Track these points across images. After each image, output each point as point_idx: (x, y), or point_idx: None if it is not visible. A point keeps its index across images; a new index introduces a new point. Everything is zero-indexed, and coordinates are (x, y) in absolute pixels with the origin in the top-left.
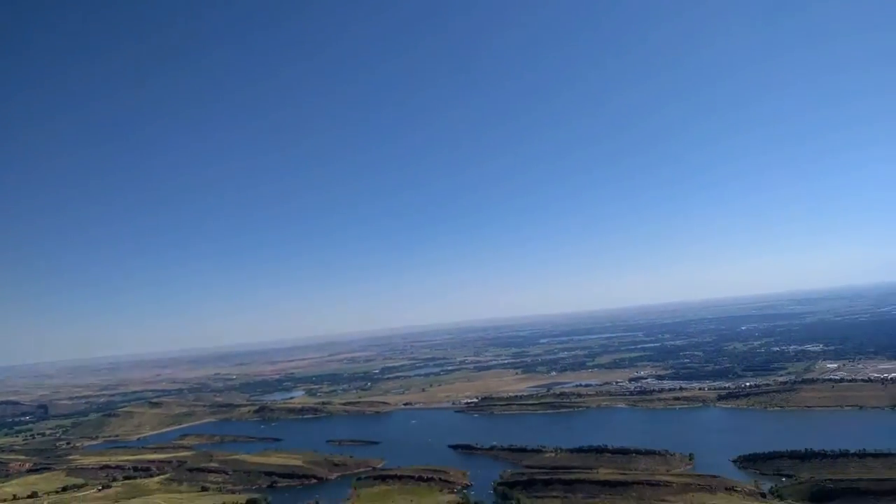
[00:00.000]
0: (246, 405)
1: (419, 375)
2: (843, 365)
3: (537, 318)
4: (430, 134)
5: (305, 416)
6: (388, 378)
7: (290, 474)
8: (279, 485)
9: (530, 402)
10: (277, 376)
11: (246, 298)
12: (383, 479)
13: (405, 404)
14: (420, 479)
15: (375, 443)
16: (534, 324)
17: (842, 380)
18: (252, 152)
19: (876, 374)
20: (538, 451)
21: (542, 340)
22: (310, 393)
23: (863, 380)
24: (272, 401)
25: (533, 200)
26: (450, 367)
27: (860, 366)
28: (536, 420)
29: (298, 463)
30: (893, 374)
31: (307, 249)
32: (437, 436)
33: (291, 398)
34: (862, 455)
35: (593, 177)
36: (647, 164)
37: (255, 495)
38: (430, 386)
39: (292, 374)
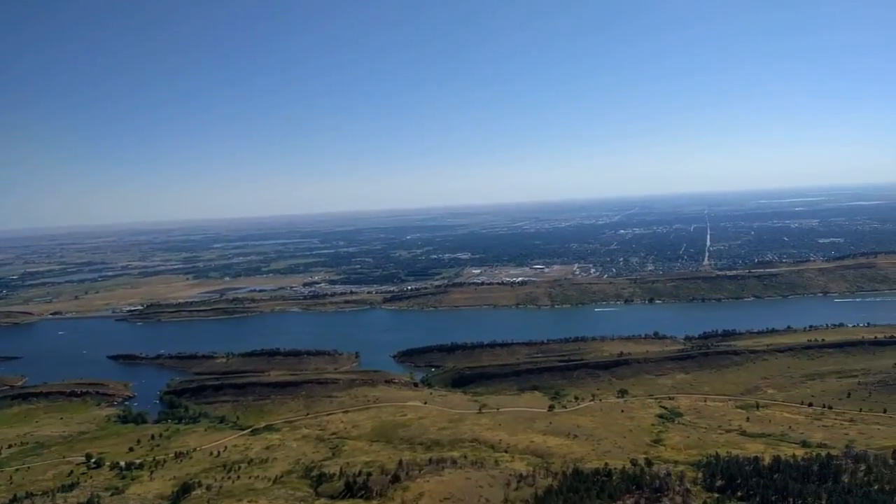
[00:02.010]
0: None
1: (71, 282)
2: (485, 270)
3: (210, 222)
4: None
5: None
6: (29, 285)
7: None
8: None
9: (202, 308)
10: None
11: None
12: (24, 397)
13: (53, 314)
14: (72, 394)
15: (15, 358)
16: (207, 228)
17: (483, 283)
18: None
19: (507, 279)
20: (209, 358)
21: (215, 245)
22: None
23: (498, 283)
24: None
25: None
26: (109, 273)
27: (497, 271)
28: (208, 326)
29: None
30: (520, 278)
31: None
32: (93, 347)
33: None
34: (493, 345)
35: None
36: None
37: None
38: (86, 293)
39: None
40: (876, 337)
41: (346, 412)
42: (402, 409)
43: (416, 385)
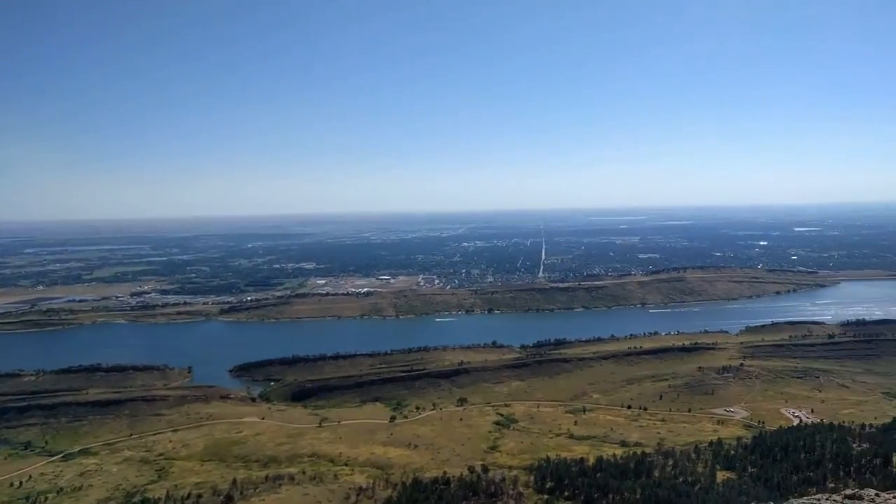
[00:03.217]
0: None
1: None
2: (330, 281)
3: (15, 224)
4: None
5: None
6: None
7: None
8: None
9: (8, 320)
10: None
11: None
12: None
13: None
14: None
15: None
16: (15, 232)
17: (327, 294)
18: None
19: (353, 289)
20: (14, 376)
21: (27, 251)
22: None
23: (343, 294)
24: None
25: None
26: None
27: (342, 281)
28: (15, 340)
29: None
30: (366, 289)
31: None
32: None
33: None
34: (336, 357)
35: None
36: None
37: None
38: None
39: None
40: (683, 344)
41: (175, 431)
42: (238, 425)
43: (253, 400)
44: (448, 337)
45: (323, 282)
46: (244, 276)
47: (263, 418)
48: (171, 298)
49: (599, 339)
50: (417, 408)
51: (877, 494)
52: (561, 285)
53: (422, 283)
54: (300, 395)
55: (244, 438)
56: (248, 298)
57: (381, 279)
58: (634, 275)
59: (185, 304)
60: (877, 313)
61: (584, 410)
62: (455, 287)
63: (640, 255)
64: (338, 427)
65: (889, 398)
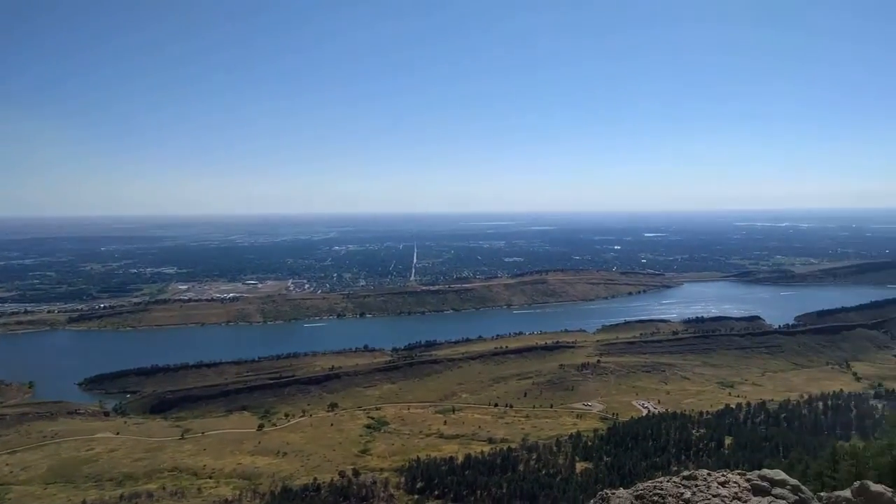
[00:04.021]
0: None
1: None
2: (193, 286)
3: None
4: None
5: None
6: None
7: None
8: None
9: None
10: None
11: None
12: None
13: None
14: None
15: None
16: None
17: (190, 300)
18: None
19: (218, 295)
20: None
21: None
22: None
23: (207, 299)
24: None
25: None
26: None
27: (206, 287)
28: None
29: None
30: (231, 295)
31: None
32: None
33: None
34: (199, 366)
35: None
36: None
37: None
38: None
39: None
40: (546, 343)
41: (13, 453)
42: (90, 442)
43: (107, 414)
44: (319, 342)
45: (185, 287)
46: (97, 281)
47: (118, 433)
48: (10, 307)
49: (468, 340)
50: (287, 415)
51: (708, 474)
52: (432, 288)
53: (291, 288)
54: (160, 407)
55: (96, 456)
56: (102, 306)
57: (249, 284)
58: (501, 277)
59: (25, 312)
60: (713, 311)
61: (454, 410)
62: (326, 291)
63: (506, 259)
64: (202, 438)
65: (722, 387)
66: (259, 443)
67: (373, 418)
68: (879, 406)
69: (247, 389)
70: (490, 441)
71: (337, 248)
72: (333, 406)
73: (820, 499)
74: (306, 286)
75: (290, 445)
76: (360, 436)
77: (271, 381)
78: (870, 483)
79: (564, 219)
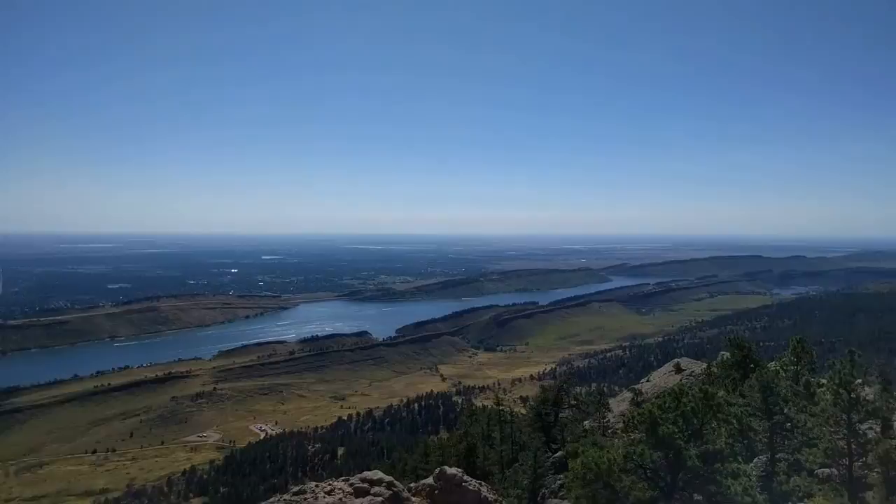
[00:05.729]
0: None
1: None
2: None
3: None
4: None
5: None
6: None
7: None
8: None
9: None
10: None
11: None
12: None
13: None
14: None
15: None
16: None
17: None
18: None
19: None
20: None
21: None
22: None
23: None
24: None
25: None
26: None
27: None
28: None
29: None
30: None
31: None
32: None
33: None
34: None
35: None
36: None
37: None
38: None
39: None
40: (157, 375)
41: None
42: None
43: None
44: None
45: None
46: None
47: None
48: None
49: (61, 381)
50: None
51: (316, 485)
52: (12, 323)
53: None
54: None
55: None
56: None
57: None
58: (104, 307)
59: None
60: (327, 329)
61: (42, 465)
62: None
63: (110, 286)
64: None
65: (335, 400)
66: None
67: None
68: (460, 401)
69: None
70: (88, 494)
71: None
72: None
73: (410, 489)
74: None
75: None
76: None
77: None
78: (447, 468)
79: (182, 241)
